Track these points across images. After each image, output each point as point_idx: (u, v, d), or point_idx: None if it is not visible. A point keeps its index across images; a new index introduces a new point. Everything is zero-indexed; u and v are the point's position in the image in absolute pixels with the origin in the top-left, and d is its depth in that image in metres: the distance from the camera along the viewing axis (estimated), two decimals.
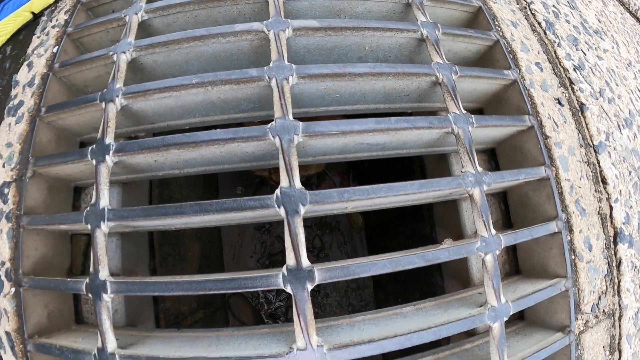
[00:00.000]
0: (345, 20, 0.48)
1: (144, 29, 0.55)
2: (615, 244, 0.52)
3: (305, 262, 0.37)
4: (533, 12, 0.64)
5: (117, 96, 0.47)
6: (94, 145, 0.46)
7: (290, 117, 0.41)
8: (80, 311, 0.54)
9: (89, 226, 0.43)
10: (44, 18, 0.67)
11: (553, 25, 0.63)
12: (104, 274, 0.41)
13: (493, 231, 0.42)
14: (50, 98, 0.55)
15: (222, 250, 1.09)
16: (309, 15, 0.55)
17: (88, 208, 0.44)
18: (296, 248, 0.37)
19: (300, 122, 0.42)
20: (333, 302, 1.14)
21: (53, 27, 0.64)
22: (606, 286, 0.51)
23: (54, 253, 0.53)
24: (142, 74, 0.54)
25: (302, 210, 0.38)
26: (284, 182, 0.39)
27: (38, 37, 0.64)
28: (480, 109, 0.59)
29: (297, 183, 0.39)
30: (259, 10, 0.53)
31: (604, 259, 0.51)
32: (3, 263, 0.49)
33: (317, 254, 1.17)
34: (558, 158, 0.50)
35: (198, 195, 0.92)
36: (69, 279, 0.45)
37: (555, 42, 0.60)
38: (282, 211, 0.38)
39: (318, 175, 1.23)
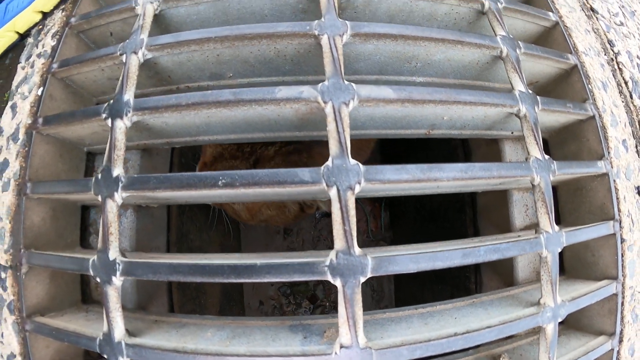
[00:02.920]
0: (431, 90, 0.37)
1: (149, 68, 0.42)
2: None
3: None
4: (620, 66, 0.54)
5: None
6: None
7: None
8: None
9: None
10: (30, 40, 0.52)
11: (638, 84, 0.54)
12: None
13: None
14: (37, 165, 0.43)
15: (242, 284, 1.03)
16: (373, 62, 0.43)
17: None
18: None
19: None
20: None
21: (39, 55, 0.49)
22: None
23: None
24: (149, 132, 0.42)
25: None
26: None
27: (23, 68, 0.49)
28: None
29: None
30: (305, 53, 0.41)
31: None
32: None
33: None
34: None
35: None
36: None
37: None
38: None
39: None
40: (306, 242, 1.13)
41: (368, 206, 1.14)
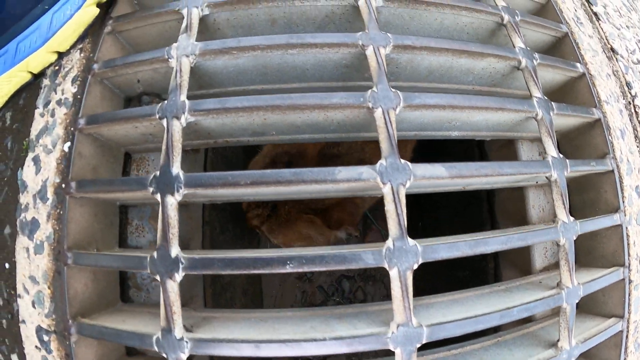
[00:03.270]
0: (477, 165, 0.38)
1: (189, 127, 0.41)
2: None
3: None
4: (637, 109, 0.57)
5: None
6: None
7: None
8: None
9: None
10: (46, 82, 0.48)
11: None
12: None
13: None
14: (74, 231, 0.42)
15: (263, 301, 1.05)
16: (416, 123, 0.43)
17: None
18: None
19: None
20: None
21: (59, 103, 0.45)
22: None
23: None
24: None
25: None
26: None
27: (42, 116, 0.46)
28: None
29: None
30: (355, 119, 0.40)
31: None
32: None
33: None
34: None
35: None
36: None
37: None
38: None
39: (364, 223, 1.15)
40: None
41: (380, 222, 1.18)
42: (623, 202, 0.50)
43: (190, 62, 0.41)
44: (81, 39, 0.51)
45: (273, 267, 0.34)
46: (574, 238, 0.43)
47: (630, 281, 0.50)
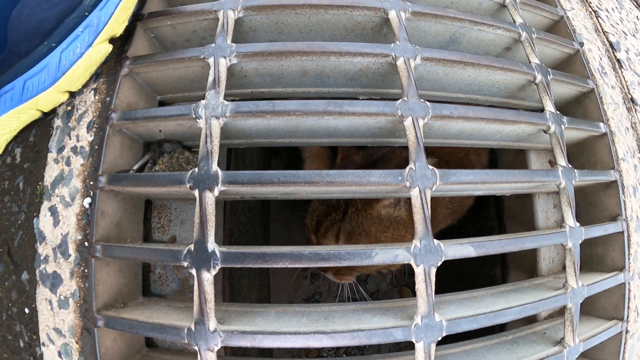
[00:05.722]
0: (506, 237, 0.40)
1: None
2: None
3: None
4: None
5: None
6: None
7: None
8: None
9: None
10: (58, 122, 0.46)
11: None
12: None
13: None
14: (101, 292, 0.42)
15: (270, 295, 1.07)
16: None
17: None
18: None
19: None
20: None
21: (74, 151, 0.43)
22: None
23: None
24: None
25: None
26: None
27: (56, 162, 0.44)
28: None
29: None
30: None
31: None
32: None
33: None
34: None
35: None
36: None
37: None
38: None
39: None
40: (332, 286, 1.18)
41: None
42: (629, 259, 0.53)
43: (220, 123, 0.40)
44: (94, 77, 0.48)
45: (309, 342, 0.36)
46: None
47: (627, 331, 0.54)
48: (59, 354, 0.45)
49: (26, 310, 0.48)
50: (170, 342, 0.49)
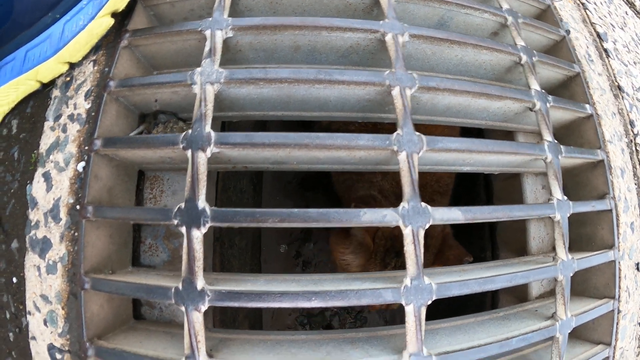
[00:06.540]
0: (491, 209, 0.40)
1: (212, 156, 0.41)
2: None
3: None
4: (637, 147, 0.60)
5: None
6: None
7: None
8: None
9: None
10: (56, 93, 0.46)
11: None
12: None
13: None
14: (90, 255, 0.42)
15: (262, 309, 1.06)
16: (431, 161, 0.45)
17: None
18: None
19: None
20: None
21: (71, 118, 0.44)
22: None
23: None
24: None
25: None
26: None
27: (52, 130, 0.44)
28: None
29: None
30: (377, 159, 0.41)
31: None
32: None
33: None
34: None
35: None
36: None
37: None
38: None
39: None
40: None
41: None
42: (618, 238, 0.53)
43: (215, 89, 0.41)
44: (94, 50, 0.49)
45: (298, 302, 0.36)
46: (571, 275, 0.45)
47: (619, 311, 0.54)
48: (44, 322, 0.44)
49: (14, 280, 0.48)
50: (158, 314, 0.49)
